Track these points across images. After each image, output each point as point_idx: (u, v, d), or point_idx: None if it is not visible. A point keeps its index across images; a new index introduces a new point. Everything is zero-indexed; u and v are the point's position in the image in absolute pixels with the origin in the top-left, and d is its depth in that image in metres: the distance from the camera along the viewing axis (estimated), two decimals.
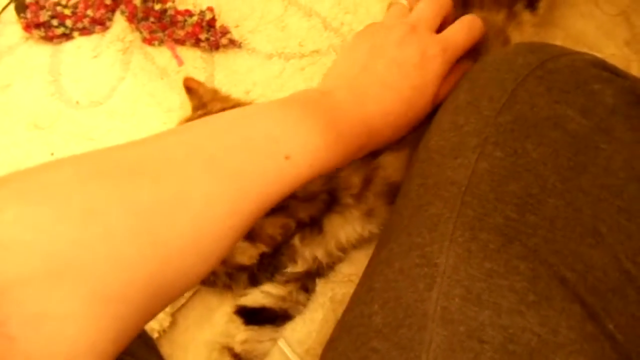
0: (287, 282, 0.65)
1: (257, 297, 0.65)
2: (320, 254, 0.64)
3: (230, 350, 0.64)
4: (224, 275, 0.62)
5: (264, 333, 0.66)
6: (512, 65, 0.54)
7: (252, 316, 0.65)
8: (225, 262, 0.61)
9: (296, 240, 0.62)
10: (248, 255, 0.61)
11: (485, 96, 0.53)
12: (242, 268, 0.62)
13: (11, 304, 0.31)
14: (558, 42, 0.74)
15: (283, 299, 0.66)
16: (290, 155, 0.47)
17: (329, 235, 0.62)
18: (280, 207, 0.60)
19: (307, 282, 0.67)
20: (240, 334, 0.65)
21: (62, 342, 0.32)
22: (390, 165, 0.61)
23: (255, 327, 0.65)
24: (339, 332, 0.52)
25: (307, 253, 0.63)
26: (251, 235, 0.60)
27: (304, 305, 0.67)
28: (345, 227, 0.62)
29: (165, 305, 0.41)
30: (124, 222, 0.36)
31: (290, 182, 0.47)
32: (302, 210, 0.61)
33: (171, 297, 0.40)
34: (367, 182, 0.61)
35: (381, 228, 0.64)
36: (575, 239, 0.45)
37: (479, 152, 0.49)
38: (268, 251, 0.61)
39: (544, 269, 0.44)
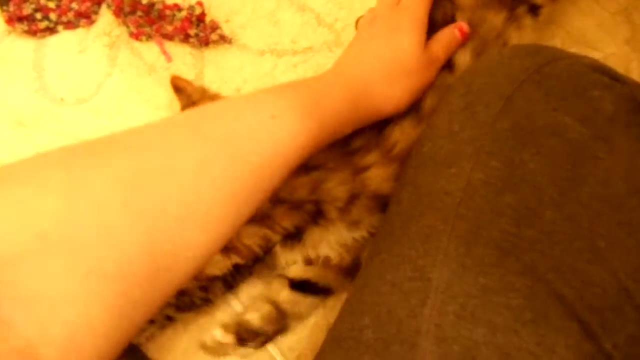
0: (341, 269, 0.64)
1: (300, 270, 0.64)
2: (312, 254, 0.63)
3: (274, 303, 0.63)
4: (197, 290, 0.61)
5: (308, 300, 0.65)
6: (508, 70, 0.53)
7: (297, 285, 0.64)
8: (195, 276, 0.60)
9: (277, 247, 0.61)
10: (219, 267, 0.60)
11: (480, 102, 0.52)
12: (215, 278, 0.61)
13: (2, 286, 0.30)
14: (557, 40, 0.73)
15: (331, 279, 0.65)
16: (276, 115, 0.46)
17: (308, 244, 0.61)
18: (262, 216, 0.59)
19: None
20: (286, 294, 0.64)
21: (59, 323, 0.31)
22: (378, 179, 0.60)
23: (301, 294, 0.64)
24: (328, 345, 0.51)
25: (292, 257, 0.62)
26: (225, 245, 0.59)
27: (345, 287, 0.66)
28: (328, 237, 0.61)
29: (177, 283, 0.39)
30: (110, 194, 0.35)
31: (281, 145, 0.46)
32: (287, 219, 0.59)
33: (180, 273, 0.39)
34: (353, 198, 0.60)
35: (372, 230, 0.62)
36: (573, 255, 0.44)
37: (474, 161, 0.48)
38: (243, 263, 0.60)
39: (540, 285, 0.43)
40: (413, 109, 0.62)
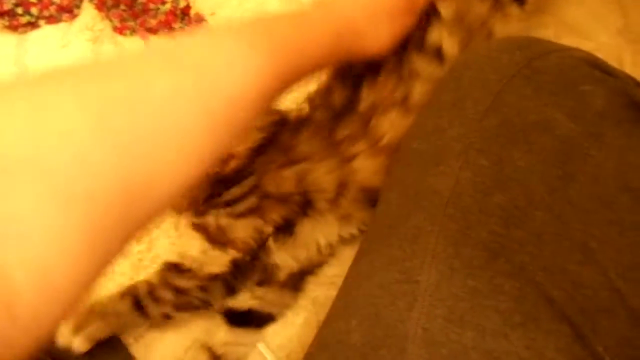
0: (282, 285, 0.64)
1: (245, 298, 0.63)
2: (301, 255, 0.62)
3: (209, 349, 0.62)
4: (196, 290, 0.60)
5: (246, 336, 0.64)
6: (497, 64, 0.52)
7: (236, 317, 0.63)
8: (194, 275, 0.59)
9: (270, 242, 0.60)
10: (218, 263, 0.59)
11: (469, 98, 0.51)
12: (214, 277, 0.60)
13: None
14: (549, 30, 0.72)
15: (272, 302, 0.64)
16: (254, 44, 0.44)
17: (300, 239, 0.60)
18: (253, 209, 0.58)
19: (298, 283, 0.65)
20: (222, 335, 0.63)
21: (27, 244, 0.30)
22: (366, 170, 0.59)
23: (238, 330, 0.63)
24: (316, 348, 0.50)
25: (282, 256, 0.61)
26: (221, 240, 0.57)
27: (289, 307, 0.66)
28: (318, 232, 0.60)
29: (151, 215, 0.37)
30: (79, 117, 0.33)
31: (259, 74, 0.44)
32: (276, 211, 0.59)
33: (154, 205, 0.37)
34: (341, 187, 0.59)
35: (363, 228, 0.62)
36: (564, 255, 0.43)
37: (463, 159, 0.47)
38: (241, 258, 0.59)
39: (530, 287, 0.42)
40: (401, 100, 0.61)
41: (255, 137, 0.61)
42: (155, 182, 0.37)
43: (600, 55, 0.54)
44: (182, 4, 0.71)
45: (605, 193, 0.45)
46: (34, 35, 0.73)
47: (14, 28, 0.72)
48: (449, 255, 0.44)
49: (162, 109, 0.37)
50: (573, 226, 0.44)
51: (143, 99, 0.37)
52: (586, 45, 0.67)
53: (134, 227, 0.36)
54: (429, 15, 0.62)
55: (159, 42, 0.41)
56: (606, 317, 0.42)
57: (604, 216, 0.45)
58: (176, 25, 0.71)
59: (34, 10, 0.72)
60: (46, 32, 0.73)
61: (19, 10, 0.72)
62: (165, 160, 0.37)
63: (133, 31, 0.72)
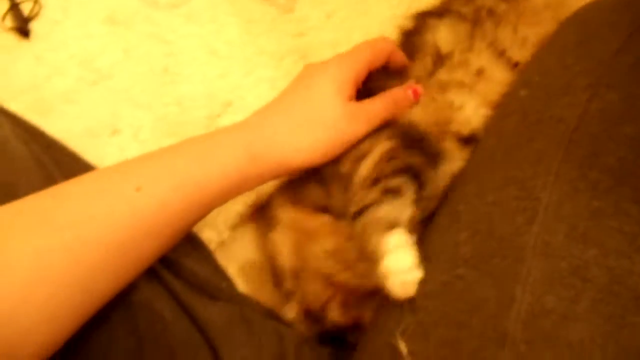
0: None
1: None
2: None
3: None
4: None
5: None
6: (629, 7, 0.52)
7: None
8: None
9: None
10: None
11: (597, 37, 0.51)
12: None
13: None
14: None
15: None
16: (141, 186, 0.44)
17: None
18: None
19: None
20: None
21: None
22: None
23: None
24: None
25: None
26: None
27: None
28: None
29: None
30: None
31: (148, 217, 0.44)
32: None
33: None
34: None
35: None
36: None
37: (591, 92, 0.47)
38: None
39: None
40: None
41: None
42: (16, 343, 0.38)
43: None
44: None
45: None
46: None
47: None
48: (574, 178, 0.44)
49: (22, 274, 0.38)
50: None
51: (8, 263, 0.38)
52: None
53: None
54: None
55: (41, 194, 0.43)
56: None
57: None
58: None
59: None
60: None
61: None
62: (29, 322, 0.38)
63: None
